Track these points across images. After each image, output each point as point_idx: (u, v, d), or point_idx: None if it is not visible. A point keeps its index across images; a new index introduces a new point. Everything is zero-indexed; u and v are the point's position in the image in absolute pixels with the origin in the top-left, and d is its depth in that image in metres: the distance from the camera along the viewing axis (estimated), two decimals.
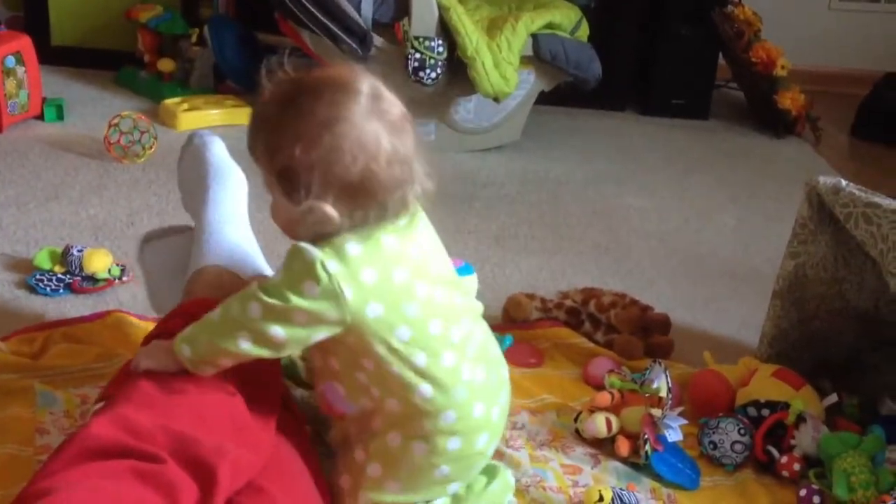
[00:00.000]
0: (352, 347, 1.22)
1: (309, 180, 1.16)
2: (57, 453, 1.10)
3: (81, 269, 1.88)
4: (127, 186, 2.36)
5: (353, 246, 1.18)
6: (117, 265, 1.91)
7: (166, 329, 1.30)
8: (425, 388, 1.24)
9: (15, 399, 1.51)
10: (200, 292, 1.43)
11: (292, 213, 1.19)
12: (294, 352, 1.28)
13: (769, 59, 3.21)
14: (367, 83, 1.19)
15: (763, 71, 3.23)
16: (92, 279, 1.88)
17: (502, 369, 1.36)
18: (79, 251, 1.90)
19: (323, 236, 1.19)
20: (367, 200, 1.18)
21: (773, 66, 3.21)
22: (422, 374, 1.23)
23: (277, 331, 1.18)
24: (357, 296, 1.17)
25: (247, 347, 1.20)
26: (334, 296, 1.17)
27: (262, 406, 1.26)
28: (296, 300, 1.17)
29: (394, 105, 1.20)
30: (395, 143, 1.17)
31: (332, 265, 1.17)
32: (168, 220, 1.69)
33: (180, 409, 1.18)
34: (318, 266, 1.16)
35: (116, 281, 1.89)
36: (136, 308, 1.75)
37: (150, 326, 1.66)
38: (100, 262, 1.90)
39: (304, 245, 1.18)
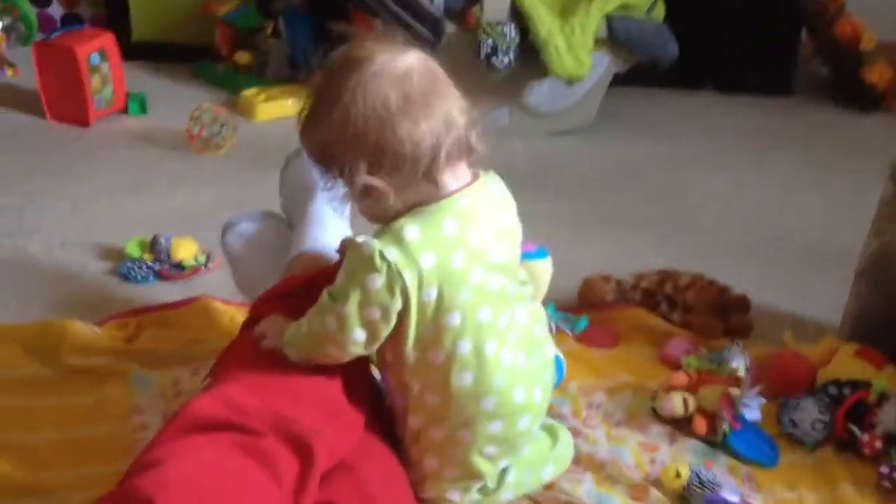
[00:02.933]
0: (402, 333, 1.23)
1: (343, 160, 1.20)
2: (164, 428, 1.17)
3: (169, 257, 1.95)
4: (209, 177, 2.43)
5: (411, 230, 1.20)
6: (203, 253, 1.98)
7: (263, 313, 1.35)
8: (466, 376, 1.25)
9: (110, 381, 1.59)
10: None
11: (356, 199, 1.24)
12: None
13: (854, 34, 3.13)
14: (377, 50, 1.21)
15: (848, 45, 3.15)
16: (179, 266, 1.95)
17: (546, 348, 1.37)
18: (166, 240, 1.97)
19: (385, 216, 1.22)
20: (395, 158, 1.19)
21: (858, 40, 3.13)
22: (464, 362, 1.24)
23: (357, 333, 1.22)
24: (415, 280, 1.19)
25: (336, 353, 1.25)
26: (396, 283, 1.19)
27: (355, 389, 1.30)
28: (361, 297, 1.19)
29: (412, 61, 1.21)
30: (407, 95, 1.19)
31: (391, 253, 1.18)
32: (248, 209, 1.73)
33: (280, 390, 1.23)
34: (377, 257, 1.18)
35: (202, 268, 1.96)
36: (222, 293, 1.81)
37: (236, 311, 1.73)
38: (186, 251, 1.97)
39: (361, 239, 1.20)
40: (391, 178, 1.20)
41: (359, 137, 1.18)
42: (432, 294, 1.21)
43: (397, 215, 1.22)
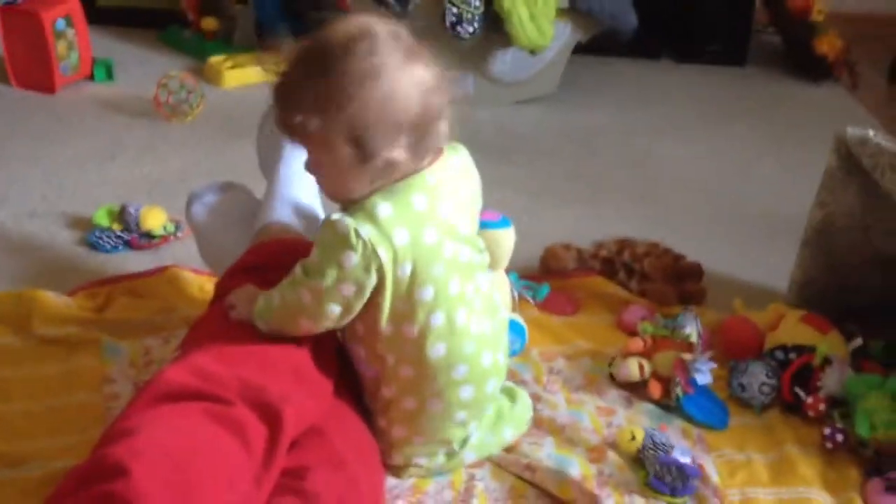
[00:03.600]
0: (377, 308, 1.27)
1: (376, 134, 1.21)
2: (135, 398, 1.21)
3: (138, 227, 1.97)
4: (177, 145, 2.44)
5: (383, 207, 1.23)
6: (172, 222, 2.00)
7: (231, 287, 1.39)
8: (440, 347, 1.30)
9: (82, 351, 1.61)
10: None
11: (354, 173, 1.23)
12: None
13: (805, 5, 3.20)
14: (381, 25, 1.23)
15: (800, 17, 3.22)
16: (149, 236, 1.97)
17: (502, 312, 1.43)
18: (135, 209, 1.99)
19: (353, 195, 1.25)
20: (424, 134, 1.23)
21: (809, 11, 3.20)
22: (437, 334, 1.29)
23: (332, 308, 1.26)
24: (390, 257, 1.23)
25: (309, 326, 1.29)
26: (372, 260, 1.22)
27: (323, 357, 1.33)
28: (338, 274, 1.22)
29: (410, 38, 1.25)
30: (427, 73, 1.23)
31: (365, 230, 1.21)
32: (218, 177, 1.75)
33: (249, 359, 1.27)
34: (352, 234, 1.21)
35: (172, 237, 1.99)
36: (192, 263, 1.84)
37: (206, 280, 1.77)
38: (155, 220, 1.99)
39: (335, 217, 1.23)
40: (416, 153, 1.24)
41: (401, 118, 1.21)
42: (407, 270, 1.24)
43: (370, 193, 1.25)
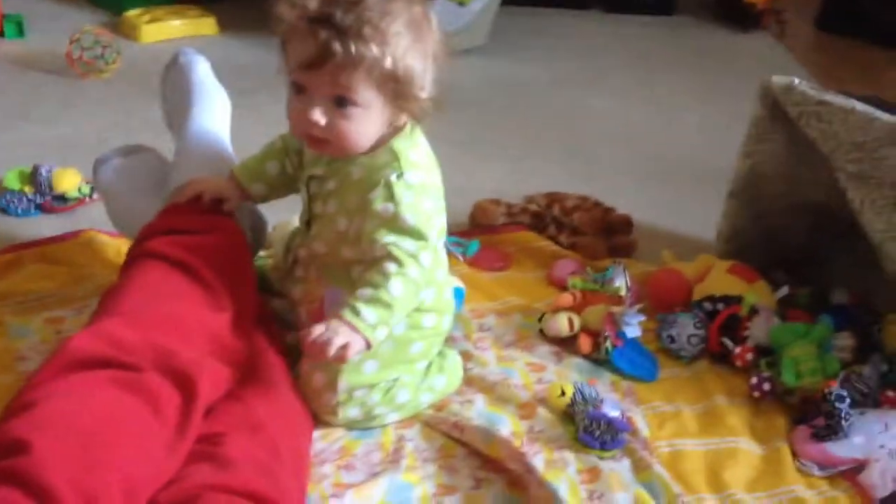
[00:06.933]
0: None
1: (423, 78, 1.26)
2: (40, 368, 1.15)
3: (51, 189, 1.90)
4: (94, 103, 2.36)
5: (413, 153, 1.32)
6: (87, 184, 1.93)
7: (149, 250, 1.33)
8: (413, 270, 1.29)
9: None
10: None
11: (384, 116, 1.27)
12: None
13: None
14: None
15: None
16: (62, 198, 1.90)
17: None
18: (48, 171, 1.91)
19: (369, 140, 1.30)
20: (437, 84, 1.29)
21: None
22: (413, 256, 1.29)
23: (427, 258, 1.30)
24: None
25: (422, 293, 1.33)
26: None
27: (244, 323, 1.30)
28: (432, 219, 1.30)
29: None
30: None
31: (418, 175, 1.30)
32: (137, 137, 1.69)
33: (162, 324, 1.22)
34: (415, 181, 1.29)
35: (87, 199, 1.92)
36: (108, 226, 1.77)
37: (122, 244, 1.71)
38: (69, 182, 1.92)
39: (393, 177, 1.28)
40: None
41: (427, 57, 1.27)
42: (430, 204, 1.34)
43: (377, 144, 1.31)
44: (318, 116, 1.25)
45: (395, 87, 1.24)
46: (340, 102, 1.25)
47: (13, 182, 1.92)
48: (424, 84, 1.27)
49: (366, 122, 1.27)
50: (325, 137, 1.28)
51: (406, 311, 1.30)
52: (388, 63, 1.22)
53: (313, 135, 1.28)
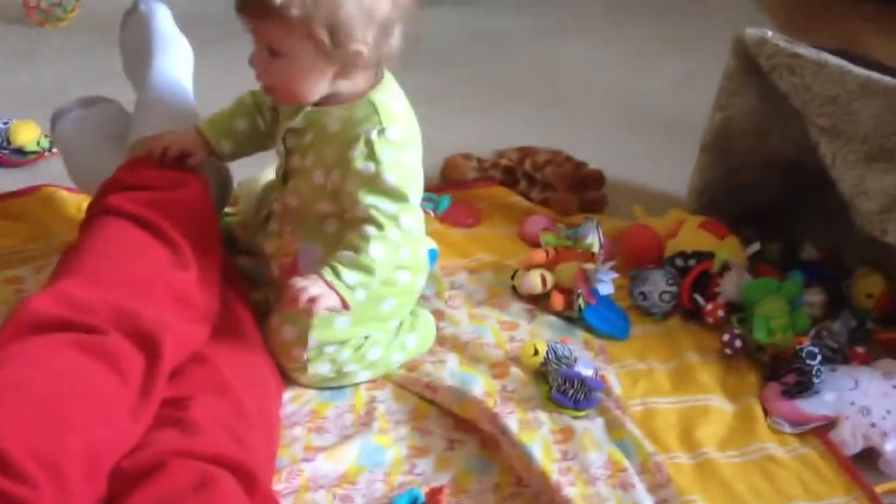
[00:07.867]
0: None
1: (351, 21, 1.21)
2: None
3: (9, 142, 1.85)
4: (51, 53, 2.29)
5: (394, 103, 1.32)
6: (46, 137, 1.88)
7: (110, 206, 1.29)
8: (393, 232, 1.29)
9: None
10: None
11: (321, 66, 1.24)
12: None
13: None
14: None
15: None
16: (21, 152, 1.86)
17: None
18: (4, 123, 1.87)
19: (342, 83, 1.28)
20: (387, 35, 1.26)
21: None
22: (393, 218, 1.28)
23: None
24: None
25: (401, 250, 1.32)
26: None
27: (209, 281, 1.28)
28: (413, 183, 1.30)
29: None
30: None
31: (400, 130, 1.29)
32: (98, 88, 1.64)
33: (124, 284, 1.19)
34: (400, 135, 1.28)
35: (46, 153, 1.87)
36: (68, 181, 1.73)
37: (83, 199, 1.66)
38: (28, 135, 1.87)
39: (374, 134, 1.26)
40: (371, 49, 1.26)
41: (376, 14, 1.24)
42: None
43: (332, 96, 1.30)
44: (255, 64, 1.28)
45: (329, 39, 1.21)
46: (271, 51, 1.26)
47: None
48: (365, 36, 1.23)
49: (297, 71, 1.26)
50: (268, 85, 1.30)
51: (386, 272, 1.30)
52: (315, 14, 1.20)
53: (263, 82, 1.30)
